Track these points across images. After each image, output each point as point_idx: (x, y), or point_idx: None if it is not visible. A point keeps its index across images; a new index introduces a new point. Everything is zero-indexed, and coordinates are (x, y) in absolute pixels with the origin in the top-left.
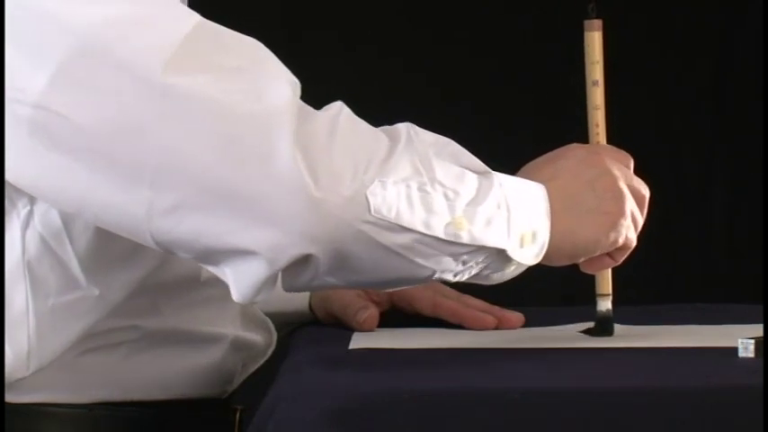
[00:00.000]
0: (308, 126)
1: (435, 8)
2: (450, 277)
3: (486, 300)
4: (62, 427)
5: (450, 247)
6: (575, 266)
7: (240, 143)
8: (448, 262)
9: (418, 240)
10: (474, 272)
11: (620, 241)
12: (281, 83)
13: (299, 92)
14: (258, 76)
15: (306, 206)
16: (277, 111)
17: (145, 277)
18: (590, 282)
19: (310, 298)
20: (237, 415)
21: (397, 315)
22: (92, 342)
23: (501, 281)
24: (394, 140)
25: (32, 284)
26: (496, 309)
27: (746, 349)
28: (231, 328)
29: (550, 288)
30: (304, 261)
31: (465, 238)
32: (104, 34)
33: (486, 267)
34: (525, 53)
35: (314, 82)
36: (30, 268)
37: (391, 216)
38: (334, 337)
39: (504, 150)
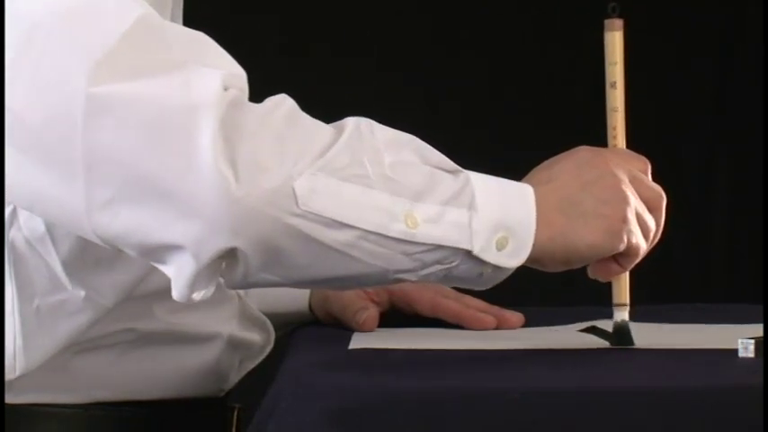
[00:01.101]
0: (237, 118)
1: (436, 10)
2: (411, 277)
3: (485, 300)
4: (58, 428)
5: (402, 245)
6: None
7: (165, 138)
8: (401, 261)
9: (362, 237)
10: (441, 273)
11: (621, 247)
12: (212, 75)
13: (241, 84)
14: (191, 69)
15: (224, 198)
16: (201, 103)
17: (137, 282)
18: (589, 282)
19: (310, 298)
20: (235, 414)
21: (396, 315)
22: (86, 343)
23: (490, 284)
24: (338, 134)
25: (18, 285)
26: (496, 309)
27: (746, 349)
28: (227, 327)
29: (550, 288)
30: (231, 256)
31: (418, 237)
32: (45, 30)
33: (455, 268)
34: (531, 55)
35: (315, 84)
36: (15, 269)
37: (326, 211)
38: (334, 337)
39: (516, 157)
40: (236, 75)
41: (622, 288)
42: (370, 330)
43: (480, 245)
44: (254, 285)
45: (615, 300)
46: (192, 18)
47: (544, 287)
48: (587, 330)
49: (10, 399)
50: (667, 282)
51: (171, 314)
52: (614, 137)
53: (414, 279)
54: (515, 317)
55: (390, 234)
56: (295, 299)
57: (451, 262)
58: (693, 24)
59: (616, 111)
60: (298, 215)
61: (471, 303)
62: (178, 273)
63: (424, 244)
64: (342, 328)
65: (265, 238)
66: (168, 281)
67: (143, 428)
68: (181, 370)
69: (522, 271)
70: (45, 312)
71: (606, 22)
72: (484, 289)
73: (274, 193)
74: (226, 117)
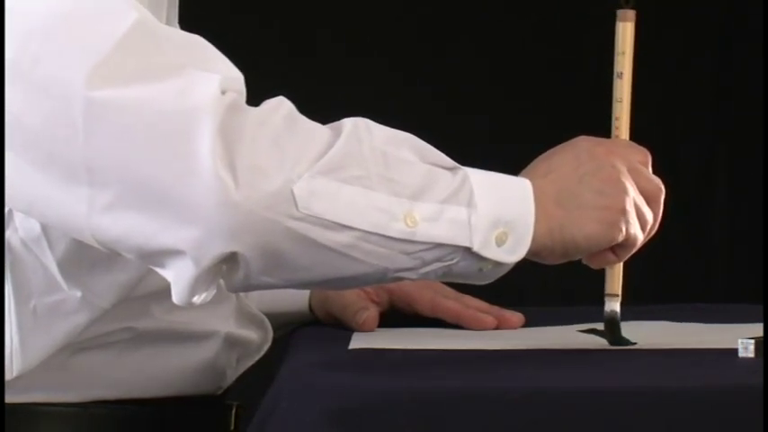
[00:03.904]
0: (236, 121)
1: (437, 12)
2: (411, 276)
3: (486, 300)
4: (57, 426)
5: (402, 244)
6: (575, 266)
7: (164, 143)
8: (401, 260)
9: (362, 238)
10: (441, 270)
11: (620, 238)
12: (210, 79)
13: (239, 87)
14: (188, 74)
15: (223, 202)
16: (199, 107)
17: (135, 284)
18: (589, 282)
19: (310, 298)
20: (233, 412)
21: (396, 315)
22: (84, 342)
23: (490, 279)
24: (336, 135)
25: (14, 285)
26: (496, 309)
27: (746, 349)
28: (224, 325)
29: (550, 288)
30: (232, 259)
31: (417, 236)
32: (44, 31)
33: (455, 265)
34: (531, 55)
35: (318, 86)
36: (11, 269)
37: (326, 213)
38: (334, 337)
39: (518, 153)
40: (234, 78)
41: (615, 278)
42: (370, 330)
43: (480, 241)
44: (254, 288)
45: (607, 290)
46: (190, 18)
47: (544, 287)
48: (587, 331)
49: (10, 398)
50: (667, 282)
51: (169, 313)
52: (617, 128)
53: (414, 277)
54: (515, 317)
55: (390, 234)
56: (295, 299)
57: (451, 259)
58: (693, 23)
59: (621, 101)
60: (297, 218)
61: (471, 303)
62: (178, 277)
63: (423, 243)
64: (342, 328)
65: (265, 242)
66: (166, 281)
67: (144, 426)
68: (179, 368)
69: (522, 271)
70: (42, 313)
71: (618, 12)
72: (484, 284)
73: (274, 197)
74: (224, 121)
